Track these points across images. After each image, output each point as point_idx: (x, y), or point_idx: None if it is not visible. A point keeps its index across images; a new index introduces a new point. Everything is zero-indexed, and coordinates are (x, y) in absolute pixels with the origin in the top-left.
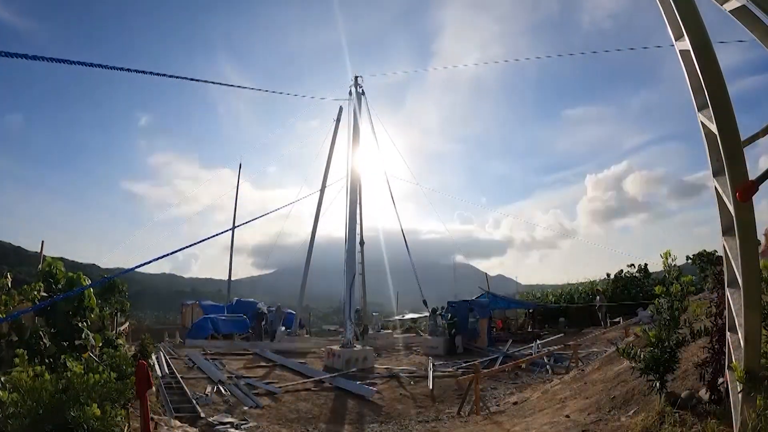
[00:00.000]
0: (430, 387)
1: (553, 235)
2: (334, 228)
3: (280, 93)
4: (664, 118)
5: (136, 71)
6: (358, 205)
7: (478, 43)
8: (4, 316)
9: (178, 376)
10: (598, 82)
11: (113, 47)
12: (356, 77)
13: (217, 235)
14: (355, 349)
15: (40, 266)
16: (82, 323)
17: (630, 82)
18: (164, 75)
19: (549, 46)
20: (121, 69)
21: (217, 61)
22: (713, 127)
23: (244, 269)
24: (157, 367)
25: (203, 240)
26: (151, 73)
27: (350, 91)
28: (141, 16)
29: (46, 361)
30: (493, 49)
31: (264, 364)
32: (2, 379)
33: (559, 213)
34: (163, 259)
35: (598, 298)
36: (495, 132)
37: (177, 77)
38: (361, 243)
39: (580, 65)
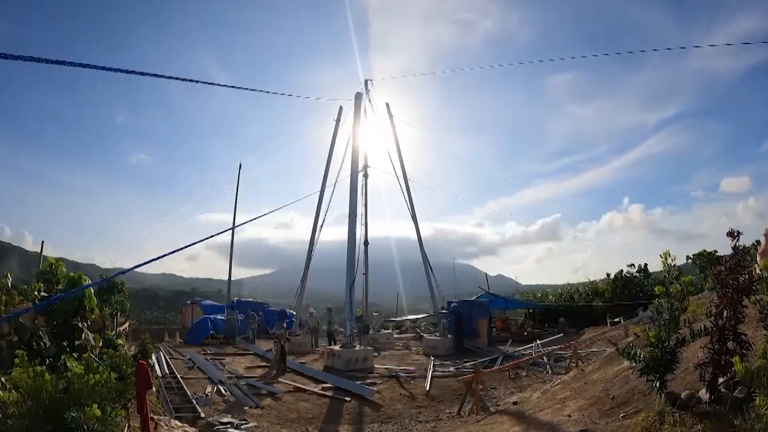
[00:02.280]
0: (427, 387)
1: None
2: (342, 228)
3: (282, 94)
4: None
5: (135, 72)
6: (362, 206)
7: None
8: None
9: (178, 376)
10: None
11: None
12: (366, 80)
13: (215, 235)
14: (355, 349)
15: (40, 266)
16: (82, 323)
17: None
18: (163, 76)
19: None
20: (118, 70)
21: (202, 61)
22: None
23: (245, 269)
24: (157, 367)
25: (201, 240)
26: (150, 74)
27: (357, 94)
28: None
29: (47, 361)
30: (480, 23)
31: (264, 363)
32: (2, 379)
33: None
34: (161, 260)
35: None
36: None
37: (175, 78)
38: (365, 243)
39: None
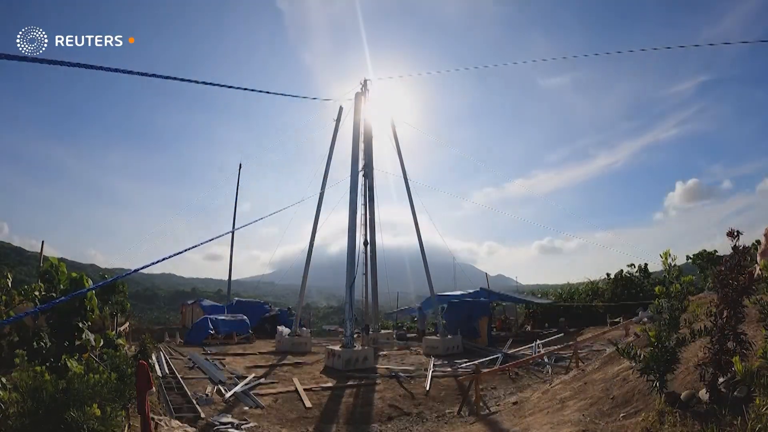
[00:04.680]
0: (427, 387)
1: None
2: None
3: (282, 95)
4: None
5: (136, 73)
6: (363, 205)
7: None
8: (5, 317)
9: (179, 376)
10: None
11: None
12: (365, 80)
13: (217, 237)
14: (356, 349)
15: (41, 266)
16: (83, 323)
17: None
18: (163, 77)
19: None
20: (119, 71)
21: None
22: None
23: (246, 269)
24: (157, 367)
25: (204, 242)
26: (151, 75)
27: (356, 93)
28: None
29: (47, 361)
30: None
31: (264, 363)
32: (3, 379)
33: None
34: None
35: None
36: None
37: (175, 79)
38: (366, 243)
39: None
